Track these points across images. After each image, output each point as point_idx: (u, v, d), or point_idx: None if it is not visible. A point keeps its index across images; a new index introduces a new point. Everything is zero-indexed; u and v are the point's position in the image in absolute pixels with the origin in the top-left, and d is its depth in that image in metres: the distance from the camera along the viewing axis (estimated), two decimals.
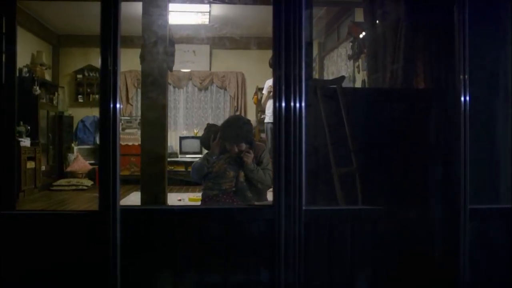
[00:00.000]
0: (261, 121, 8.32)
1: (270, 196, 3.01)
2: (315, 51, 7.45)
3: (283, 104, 2.12)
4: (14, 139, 2.62)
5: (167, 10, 3.26)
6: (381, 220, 2.21)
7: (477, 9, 2.40)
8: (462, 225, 2.07)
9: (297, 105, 2.12)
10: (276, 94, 2.15)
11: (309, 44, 2.77)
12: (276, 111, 2.13)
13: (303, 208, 2.08)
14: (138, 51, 3.11)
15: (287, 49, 2.14)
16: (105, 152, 2.00)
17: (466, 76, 2.17)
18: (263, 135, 7.90)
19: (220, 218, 2.19)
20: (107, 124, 2.05)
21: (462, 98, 2.15)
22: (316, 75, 7.48)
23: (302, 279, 2.09)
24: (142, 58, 3.06)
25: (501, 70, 2.56)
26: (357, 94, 3.29)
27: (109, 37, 2.07)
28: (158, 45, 2.94)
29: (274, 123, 2.18)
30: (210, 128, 3.22)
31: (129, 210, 2.14)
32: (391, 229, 2.20)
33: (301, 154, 2.09)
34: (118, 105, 2.07)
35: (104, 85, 2.08)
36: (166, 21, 3.14)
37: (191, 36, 7.70)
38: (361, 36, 4.99)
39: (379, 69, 3.23)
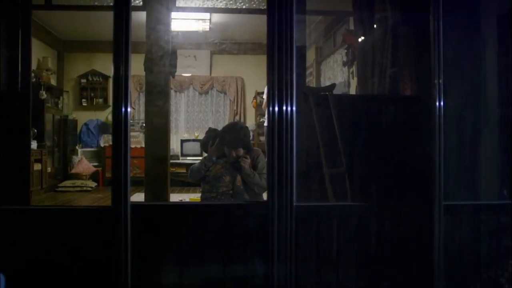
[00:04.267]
0: (260, 125, 8.52)
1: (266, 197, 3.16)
2: (313, 56, 7.63)
3: (276, 108, 2.30)
4: (29, 142, 2.84)
5: (170, 19, 3.45)
6: (366, 216, 2.40)
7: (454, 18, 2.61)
8: (437, 220, 2.27)
9: (289, 109, 2.30)
10: (269, 98, 2.32)
11: (302, 55, 2.99)
12: (270, 114, 2.31)
13: (294, 204, 2.28)
14: (140, 56, 3.28)
15: (279, 55, 2.31)
16: (117, 153, 2.18)
17: (441, 81, 2.35)
18: (262, 138, 8.08)
19: (219, 213, 2.38)
20: (119, 127, 2.20)
21: (437, 102, 2.34)
22: (313, 80, 7.66)
23: (293, 269, 2.28)
24: (146, 66, 3.27)
25: (476, 75, 2.76)
26: (347, 100, 3.47)
27: (121, 45, 2.23)
28: (161, 54, 3.14)
29: (267, 126, 2.36)
30: (210, 133, 3.37)
31: (138, 206, 2.33)
32: (375, 224, 2.40)
33: (292, 155, 2.28)
34: (129, 109, 2.22)
35: (117, 90, 2.23)
36: (169, 30, 3.34)
37: (192, 42, 7.88)
38: (357, 42, 5.17)
39: (368, 76, 3.42)
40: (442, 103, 2.34)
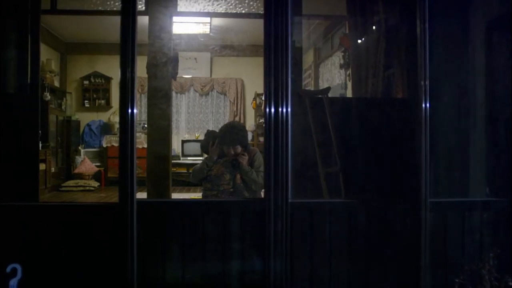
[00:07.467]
0: (259, 125, 8.66)
1: None
2: (311, 58, 7.76)
3: (272, 110, 2.42)
4: (38, 142, 2.94)
5: (171, 24, 3.57)
6: (357, 212, 2.53)
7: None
8: (424, 216, 2.41)
9: (284, 110, 2.42)
10: (266, 100, 2.45)
11: (298, 59, 3.11)
12: (266, 115, 2.44)
13: (289, 201, 2.42)
14: (142, 58, 3.38)
15: (275, 59, 2.43)
16: (124, 153, 2.31)
17: (427, 83, 2.47)
18: (262, 139, 8.20)
19: (219, 210, 2.51)
20: (126, 127, 2.32)
21: (423, 104, 2.46)
22: (312, 81, 7.79)
23: (288, 263, 2.41)
24: (149, 71, 3.41)
25: (462, 78, 2.89)
26: (341, 102, 3.58)
27: (128, 49, 2.35)
28: (164, 61, 3.27)
29: (264, 127, 2.49)
30: (209, 134, 3.45)
31: (144, 202, 2.47)
32: (366, 220, 2.53)
33: (288, 154, 2.42)
34: (135, 111, 2.34)
35: (123, 92, 2.34)
36: (171, 38, 3.46)
37: (193, 45, 8.01)
38: (352, 45, 5.28)
39: (362, 79, 3.54)
40: (428, 105, 2.46)
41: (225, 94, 9.20)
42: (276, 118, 2.42)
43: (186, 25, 7.01)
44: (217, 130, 3.54)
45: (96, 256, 2.40)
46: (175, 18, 4.25)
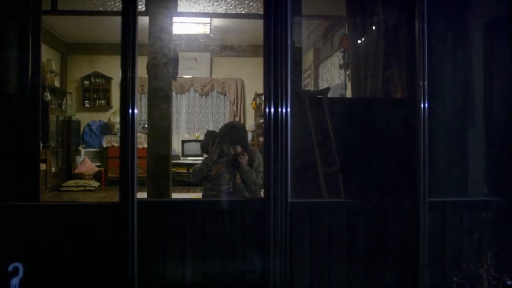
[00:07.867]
0: (259, 126, 8.67)
1: None
2: (311, 58, 7.77)
3: (272, 110, 2.44)
4: (39, 142, 2.96)
5: (172, 25, 3.59)
6: (356, 212, 2.55)
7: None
8: (422, 215, 2.43)
9: (284, 110, 2.44)
10: (266, 100, 2.47)
11: (298, 59, 3.13)
12: (266, 116, 2.46)
13: (289, 200, 2.44)
14: (142, 58, 3.40)
15: (275, 60, 2.45)
16: (125, 153, 2.33)
17: (425, 83, 2.49)
18: (262, 139, 8.21)
19: (219, 209, 2.52)
20: (127, 127, 2.34)
21: (422, 104, 2.48)
22: (311, 81, 7.81)
23: (288, 261, 2.43)
24: (150, 72, 3.43)
25: (461, 77, 2.91)
26: (340, 103, 3.60)
27: (128, 50, 2.38)
28: (165, 61, 3.28)
29: (264, 127, 2.51)
30: (209, 134, 3.47)
31: (144, 202, 2.48)
32: (364, 220, 2.54)
33: (287, 154, 2.43)
34: (136, 111, 2.36)
35: (124, 93, 2.36)
36: (171, 39, 3.47)
37: (193, 45, 8.03)
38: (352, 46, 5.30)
39: (361, 79, 3.56)
40: (427, 104, 2.48)
41: (225, 94, 9.21)
42: (276, 118, 2.44)
43: (186, 25, 7.03)
44: (217, 130, 3.55)
45: (96, 256, 2.42)
46: (175, 19, 4.27)
